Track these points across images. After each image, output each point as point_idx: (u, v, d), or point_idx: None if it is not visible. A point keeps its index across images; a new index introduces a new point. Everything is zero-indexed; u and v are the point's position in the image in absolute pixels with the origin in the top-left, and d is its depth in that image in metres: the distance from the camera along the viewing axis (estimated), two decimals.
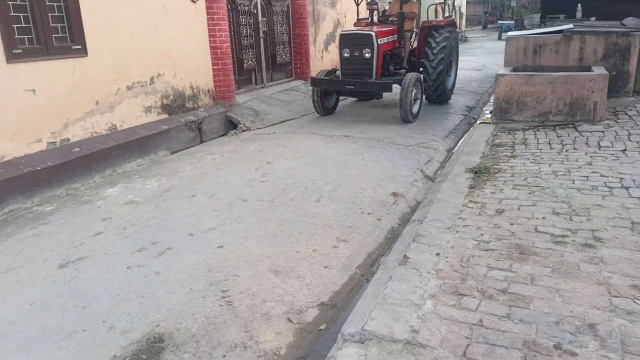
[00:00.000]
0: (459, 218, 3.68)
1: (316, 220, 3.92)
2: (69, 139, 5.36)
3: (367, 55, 7.13)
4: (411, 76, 7.09)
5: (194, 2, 6.99)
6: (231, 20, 8.12)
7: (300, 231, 3.73)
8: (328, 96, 8.03)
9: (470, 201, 4.00)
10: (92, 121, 5.61)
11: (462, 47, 22.35)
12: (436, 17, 9.22)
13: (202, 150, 6.36)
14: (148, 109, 6.40)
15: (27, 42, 4.91)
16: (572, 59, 7.23)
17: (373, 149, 5.96)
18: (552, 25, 8.27)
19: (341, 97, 8.67)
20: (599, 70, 6.47)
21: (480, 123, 6.92)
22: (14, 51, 4.74)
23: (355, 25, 8.49)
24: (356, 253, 3.48)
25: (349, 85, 7.25)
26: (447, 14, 9.56)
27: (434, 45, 7.76)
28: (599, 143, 5.39)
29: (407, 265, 3.01)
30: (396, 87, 7.17)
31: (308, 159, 5.54)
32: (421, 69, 8.14)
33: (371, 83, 7.20)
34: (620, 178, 4.27)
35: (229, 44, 7.69)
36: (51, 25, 5.11)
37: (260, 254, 3.37)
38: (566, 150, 5.23)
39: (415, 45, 8.50)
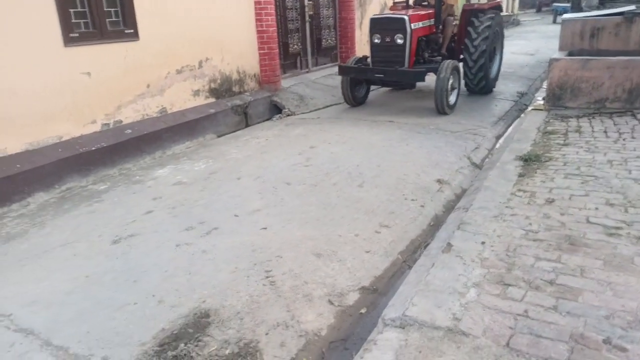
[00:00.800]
0: (506, 207, 3.59)
1: (359, 205, 3.92)
2: (121, 121, 5.56)
3: (399, 41, 6.65)
4: (448, 64, 6.60)
5: None
6: (277, 4, 8.14)
7: (343, 215, 3.74)
8: (358, 85, 7.55)
9: (519, 190, 3.89)
10: (143, 104, 5.79)
11: (514, 31, 21.58)
12: None
13: (248, 134, 6.45)
14: (196, 93, 6.54)
15: (82, 27, 5.10)
16: (633, 43, 6.85)
17: (418, 134, 5.87)
18: (612, 7, 7.84)
19: (372, 86, 8.23)
20: None
21: (532, 110, 6.68)
22: (71, 35, 4.93)
23: (391, 8, 8.23)
24: (398, 239, 3.46)
25: (378, 73, 6.82)
26: None
27: (475, 30, 7.19)
28: None
29: (450, 253, 2.98)
30: (432, 77, 6.90)
31: (352, 144, 5.53)
32: (462, 56, 7.61)
33: (402, 72, 6.70)
34: None
35: (275, 28, 7.71)
36: (105, 9, 5.28)
37: (302, 237, 3.41)
38: (623, 139, 4.98)
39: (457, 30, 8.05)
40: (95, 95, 5.23)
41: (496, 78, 8.30)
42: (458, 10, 7.81)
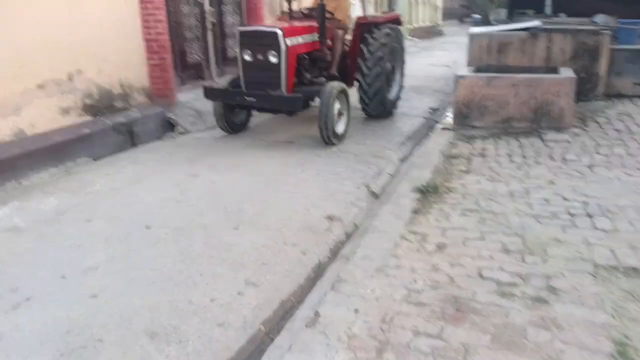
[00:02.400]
0: (392, 255, 3.08)
1: (226, 256, 3.27)
2: None
3: (272, 59, 5.51)
4: (332, 87, 5.54)
5: None
6: (171, 10, 7.37)
7: (203, 272, 3.08)
8: (237, 109, 6.29)
9: (410, 231, 3.41)
10: None
11: (436, 42, 21.91)
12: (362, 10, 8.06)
13: (129, 157, 5.63)
14: (66, 111, 5.63)
15: None
16: (538, 59, 6.71)
17: (318, 158, 5.33)
18: (519, 21, 7.74)
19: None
20: (566, 72, 5.94)
21: (440, 128, 6.34)
22: None
23: (278, 19, 7.22)
24: (266, 302, 2.85)
25: (250, 97, 5.61)
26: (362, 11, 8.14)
27: (368, 49, 6.31)
28: (563, 156, 4.86)
29: (315, 328, 2.40)
30: None
31: (241, 171, 4.89)
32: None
33: (275, 97, 5.49)
34: (585, 202, 3.73)
35: (167, 36, 6.93)
36: None
37: (142, 306, 2.72)
38: (527, 165, 4.68)
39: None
40: None
41: (397, 99, 7.39)
42: (352, 23, 7.01)
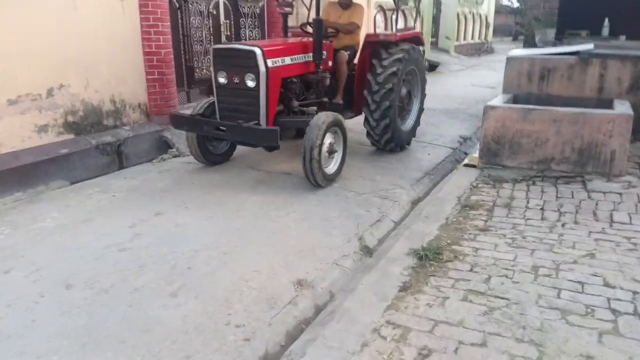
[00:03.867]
0: None
1: (142, 341, 2.53)
2: None
3: (249, 83, 4.62)
4: (321, 118, 4.54)
5: None
6: (178, 21, 6.84)
7: None
8: (217, 139, 5.35)
9: (389, 322, 2.56)
10: None
11: (483, 60, 20.70)
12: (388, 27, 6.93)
13: (102, 183, 5.02)
14: (43, 129, 5.12)
15: None
16: (589, 89, 5.68)
17: (312, 196, 4.55)
18: (568, 44, 6.70)
19: None
20: (622, 107, 4.91)
21: (463, 166, 5.42)
22: None
23: (293, 35, 6.22)
24: None
25: (220, 128, 4.70)
26: (404, 25, 6.98)
27: (374, 78, 5.40)
28: (611, 215, 3.87)
29: None
30: None
31: (214, 210, 4.18)
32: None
33: (248, 129, 4.48)
34: (635, 292, 2.76)
35: (170, 49, 6.38)
36: None
37: None
38: (563, 225, 3.72)
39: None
40: None
41: (413, 131, 6.34)
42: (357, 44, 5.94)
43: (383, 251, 3.54)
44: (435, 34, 19.52)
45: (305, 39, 5.35)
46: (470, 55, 21.39)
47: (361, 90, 5.62)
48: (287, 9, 5.51)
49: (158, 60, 6.26)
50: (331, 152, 4.82)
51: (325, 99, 5.53)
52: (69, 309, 2.76)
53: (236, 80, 4.71)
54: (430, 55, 16.28)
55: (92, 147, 5.49)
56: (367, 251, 3.69)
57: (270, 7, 8.57)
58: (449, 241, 3.48)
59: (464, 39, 22.20)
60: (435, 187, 5.16)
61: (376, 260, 3.38)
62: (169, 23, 6.36)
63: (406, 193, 4.84)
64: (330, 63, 5.50)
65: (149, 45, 6.18)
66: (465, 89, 11.85)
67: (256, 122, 4.63)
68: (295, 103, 5.13)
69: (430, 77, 8.56)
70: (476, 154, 5.55)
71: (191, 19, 7.04)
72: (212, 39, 7.50)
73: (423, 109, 6.59)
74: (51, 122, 5.21)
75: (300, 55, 5.06)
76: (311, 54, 5.09)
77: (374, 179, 5.12)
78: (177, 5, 6.74)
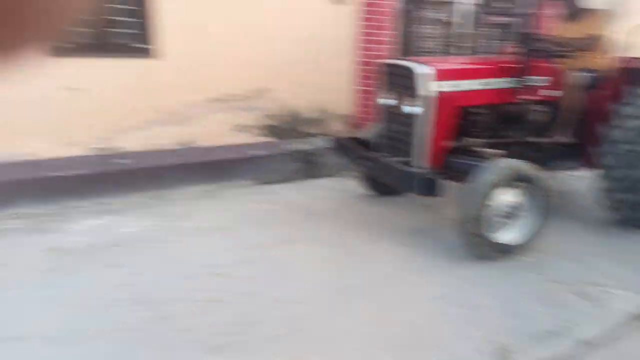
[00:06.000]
0: None
1: None
2: (118, 148, 4.79)
3: (408, 109, 3.75)
4: (498, 166, 3.43)
5: (338, 3, 5.48)
6: (403, 29, 6.28)
7: None
8: None
9: None
10: (154, 132, 4.91)
11: None
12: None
13: (277, 191, 4.93)
14: (241, 129, 5.37)
15: (84, 37, 4.46)
16: None
17: (473, 265, 3.47)
18: None
19: None
20: None
21: None
22: (64, 45, 4.32)
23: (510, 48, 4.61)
24: None
25: (362, 159, 4.03)
26: None
27: (628, 110, 3.92)
28: None
29: None
30: None
31: (341, 251, 3.58)
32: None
33: (386, 167, 3.72)
34: None
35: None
36: (114, 19, 4.54)
37: None
38: None
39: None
40: (88, 115, 4.56)
41: None
42: (603, 66, 4.30)
43: None
44: None
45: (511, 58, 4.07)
46: None
47: (598, 133, 4.07)
48: (503, 18, 4.37)
49: (370, 71, 5.87)
50: (507, 215, 3.56)
51: (532, 139, 4.14)
52: (113, 328, 2.61)
53: (399, 103, 3.89)
54: None
55: (284, 152, 5.49)
56: None
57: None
58: None
59: None
60: None
61: None
62: (389, 32, 5.91)
63: (626, 297, 3.26)
64: (552, 93, 4.13)
65: (363, 54, 5.86)
66: None
67: (413, 158, 3.76)
68: (472, 141, 3.93)
69: None
70: None
71: (420, 27, 6.41)
72: (447, 51, 6.71)
73: None
74: (250, 123, 5.41)
75: (497, 80, 3.87)
76: (509, 80, 3.86)
77: (581, 260, 3.65)
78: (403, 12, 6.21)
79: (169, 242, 3.65)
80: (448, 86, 3.68)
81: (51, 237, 3.63)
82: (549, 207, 3.63)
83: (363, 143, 4.28)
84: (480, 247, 3.45)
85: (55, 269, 3.19)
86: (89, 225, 3.89)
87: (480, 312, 2.95)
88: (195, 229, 3.90)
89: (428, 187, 3.47)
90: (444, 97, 3.65)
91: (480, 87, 3.83)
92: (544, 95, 4.09)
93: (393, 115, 3.99)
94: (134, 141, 4.83)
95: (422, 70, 3.65)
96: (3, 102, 4.08)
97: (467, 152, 3.85)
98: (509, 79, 3.88)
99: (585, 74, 4.22)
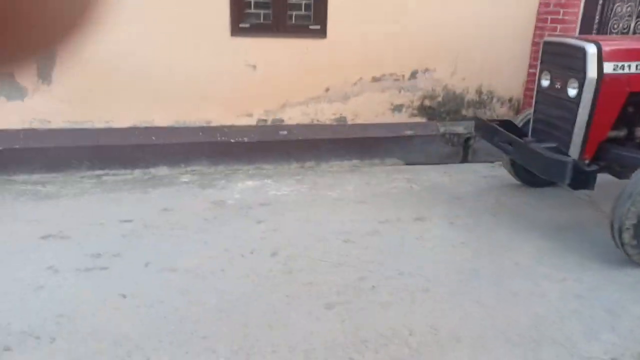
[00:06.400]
0: None
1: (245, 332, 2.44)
2: (282, 120, 5.24)
3: (570, 91, 3.33)
4: None
5: None
6: (597, 8, 5.54)
7: None
8: None
9: None
10: (316, 108, 5.24)
11: None
12: None
13: (422, 172, 4.89)
14: (397, 108, 5.41)
15: (261, 18, 4.93)
16: None
17: (620, 272, 3.03)
18: None
19: None
20: None
21: None
22: (241, 25, 4.87)
23: None
24: None
25: (506, 142, 3.68)
26: None
27: None
28: None
29: None
30: None
31: (472, 237, 3.42)
32: None
33: (533, 153, 3.34)
34: None
35: None
36: (288, 2, 4.92)
37: None
38: None
39: None
40: (259, 89, 5.06)
41: None
42: None
43: None
44: None
45: None
46: None
47: None
48: None
49: None
50: None
51: None
52: (247, 274, 2.94)
53: (558, 85, 3.50)
54: None
55: (438, 134, 5.39)
56: None
57: None
58: None
59: None
60: None
61: None
62: (577, 10, 5.31)
63: None
64: None
65: (542, 35, 5.36)
66: None
67: (565, 145, 3.34)
68: None
69: None
70: None
71: (615, 6, 5.59)
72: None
73: None
74: (407, 103, 5.41)
75: None
76: None
77: None
78: None
79: (311, 207, 3.92)
80: (617, 67, 3.25)
81: (215, 192, 4.19)
82: None
83: (513, 127, 3.99)
84: (625, 246, 2.98)
85: (212, 218, 3.69)
86: (247, 185, 4.38)
87: (621, 318, 2.58)
88: (337, 199, 4.11)
89: (581, 179, 3.11)
90: (609, 79, 3.23)
91: None
92: None
93: (551, 97, 3.65)
94: (297, 115, 5.22)
95: (589, 49, 3.25)
96: (189, 75, 4.81)
97: (632, 144, 3.39)
98: None
99: None
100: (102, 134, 4.80)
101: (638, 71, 3.29)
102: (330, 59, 5.07)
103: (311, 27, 5.02)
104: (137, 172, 4.72)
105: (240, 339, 2.41)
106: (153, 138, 4.89)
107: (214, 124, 5.11)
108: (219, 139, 4.99)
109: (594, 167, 3.22)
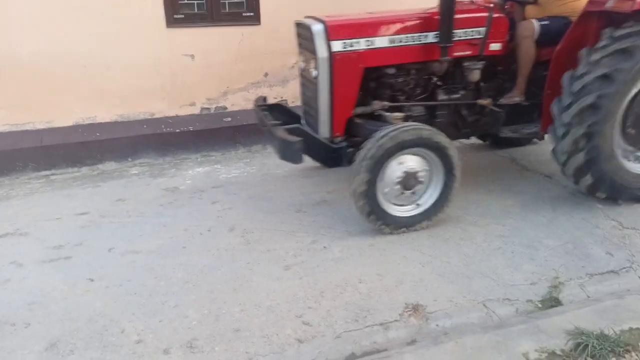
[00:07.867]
0: None
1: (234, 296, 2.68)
2: (225, 108, 5.43)
3: (313, 72, 3.33)
4: (392, 130, 3.01)
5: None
6: None
7: None
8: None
9: None
10: (257, 92, 5.43)
11: None
12: None
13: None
14: None
15: (194, 8, 5.06)
16: None
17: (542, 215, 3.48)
18: None
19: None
20: None
21: None
22: (175, 16, 4.98)
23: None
24: None
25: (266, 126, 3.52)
26: None
27: (587, 59, 3.18)
28: None
29: None
30: None
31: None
32: None
33: (271, 135, 3.37)
34: None
35: None
36: None
37: None
38: None
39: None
40: (198, 78, 5.22)
41: None
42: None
43: (557, 313, 2.47)
44: None
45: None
46: None
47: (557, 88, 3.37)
48: None
49: None
50: (406, 184, 3.17)
51: (468, 101, 3.68)
52: (208, 248, 3.17)
53: (305, 66, 3.56)
54: None
55: None
56: (549, 305, 2.64)
57: None
58: None
59: None
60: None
61: (530, 322, 2.39)
62: None
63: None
64: (497, 46, 3.54)
65: None
66: None
67: (316, 124, 3.45)
68: (380, 104, 3.47)
69: None
70: None
71: None
72: None
73: None
74: None
75: (413, 35, 3.35)
76: (437, 33, 3.35)
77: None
78: None
79: (262, 186, 4.16)
80: (347, 45, 3.26)
81: (166, 180, 4.35)
82: (453, 177, 3.23)
83: (283, 110, 4.02)
84: (374, 221, 3.18)
85: (167, 204, 3.86)
86: (197, 172, 4.56)
87: (538, 250, 3.05)
88: (286, 176, 4.37)
89: (332, 156, 3.38)
90: (340, 57, 3.24)
91: (391, 45, 3.34)
92: (492, 51, 3.55)
93: (305, 79, 3.70)
94: (239, 101, 5.42)
95: (315, 28, 3.25)
96: (128, 69, 4.88)
97: (376, 117, 3.50)
98: (430, 33, 3.37)
99: (538, 21, 3.55)
100: (45, 134, 4.81)
101: (369, 47, 3.29)
102: (266, 45, 5.29)
103: (244, 14, 5.21)
104: (85, 169, 4.77)
105: (209, 303, 2.64)
106: (97, 134, 4.94)
107: (157, 115, 5.23)
108: (164, 129, 5.10)
109: (343, 144, 3.34)
